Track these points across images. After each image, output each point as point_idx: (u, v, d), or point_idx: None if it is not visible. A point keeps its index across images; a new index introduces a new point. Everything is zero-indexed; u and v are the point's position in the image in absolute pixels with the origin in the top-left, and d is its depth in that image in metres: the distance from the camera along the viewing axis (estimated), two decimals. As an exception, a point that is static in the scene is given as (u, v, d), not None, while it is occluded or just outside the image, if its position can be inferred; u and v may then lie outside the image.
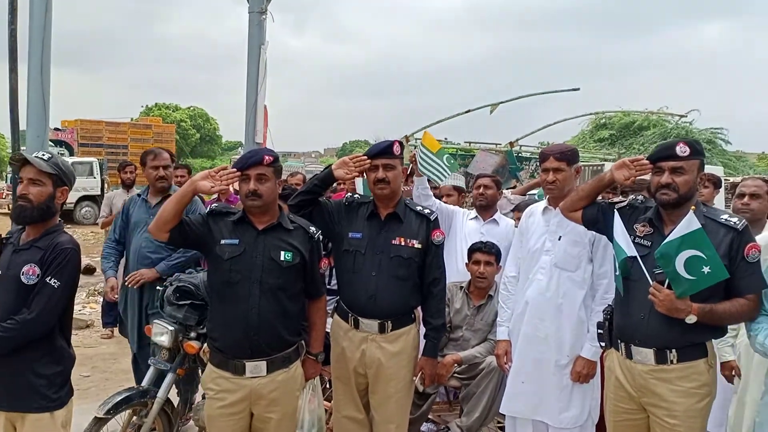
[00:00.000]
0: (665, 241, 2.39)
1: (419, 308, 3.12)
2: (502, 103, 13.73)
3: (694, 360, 2.48)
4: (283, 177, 5.39)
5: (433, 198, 4.05)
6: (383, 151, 2.99)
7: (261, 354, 2.63)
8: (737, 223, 2.45)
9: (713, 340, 2.57)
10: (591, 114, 20.87)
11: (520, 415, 3.21)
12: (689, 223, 2.31)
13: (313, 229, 2.80)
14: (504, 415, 3.37)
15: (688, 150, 2.48)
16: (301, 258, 2.71)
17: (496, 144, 14.34)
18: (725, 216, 2.51)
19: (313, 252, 2.77)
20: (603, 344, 2.79)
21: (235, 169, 2.63)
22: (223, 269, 2.65)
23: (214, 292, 2.74)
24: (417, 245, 2.99)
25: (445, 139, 13.93)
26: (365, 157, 2.99)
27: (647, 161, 2.58)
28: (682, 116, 19.21)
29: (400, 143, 3.06)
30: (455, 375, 3.75)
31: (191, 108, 47.91)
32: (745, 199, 3.40)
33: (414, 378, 3.11)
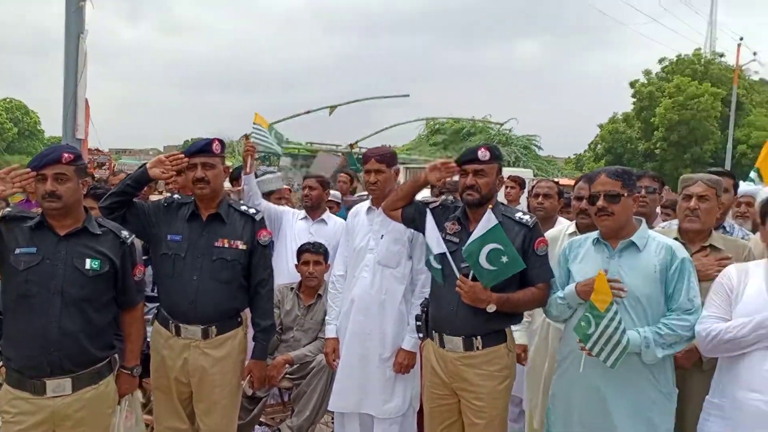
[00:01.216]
0: (470, 240, 2.61)
1: (247, 310, 3.08)
2: (340, 105, 14.00)
3: (496, 345, 2.74)
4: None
5: (261, 198, 4.02)
6: (202, 149, 2.89)
7: (64, 371, 2.42)
8: (529, 220, 2.76)
9: (511, 326, 2.85)
10: (423, 119, 22.09)
11: (347, 410, 3.30)
12: (488, 221, 2.56)
13: (125, 233, 2.63)
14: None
15: (488, 155, 2.74)
16: (111, 265, 2.53)
17: (337, 145, 14.58)
18: (519, 214, 2.81)
19: (126, 258, 2.60)
20: (421, 335, 2.98)
21: (29, 169, 2.39)
22: (19, 281, 2.40)
23: (8, 306, 2.47)
24: (242, 246, 2.93)
25: (287, 139, 13.85)
26: (182, 155, 2.88)
27: (455, 164, 2.82)
28: (501, 124, 21.04)
29: (221, 141, 2.98)
30: (287, 375, 3.75)
31: (7, 100, 42.71)
32: (539, 199, 3.83)
33: (242, 382, 3.06)
